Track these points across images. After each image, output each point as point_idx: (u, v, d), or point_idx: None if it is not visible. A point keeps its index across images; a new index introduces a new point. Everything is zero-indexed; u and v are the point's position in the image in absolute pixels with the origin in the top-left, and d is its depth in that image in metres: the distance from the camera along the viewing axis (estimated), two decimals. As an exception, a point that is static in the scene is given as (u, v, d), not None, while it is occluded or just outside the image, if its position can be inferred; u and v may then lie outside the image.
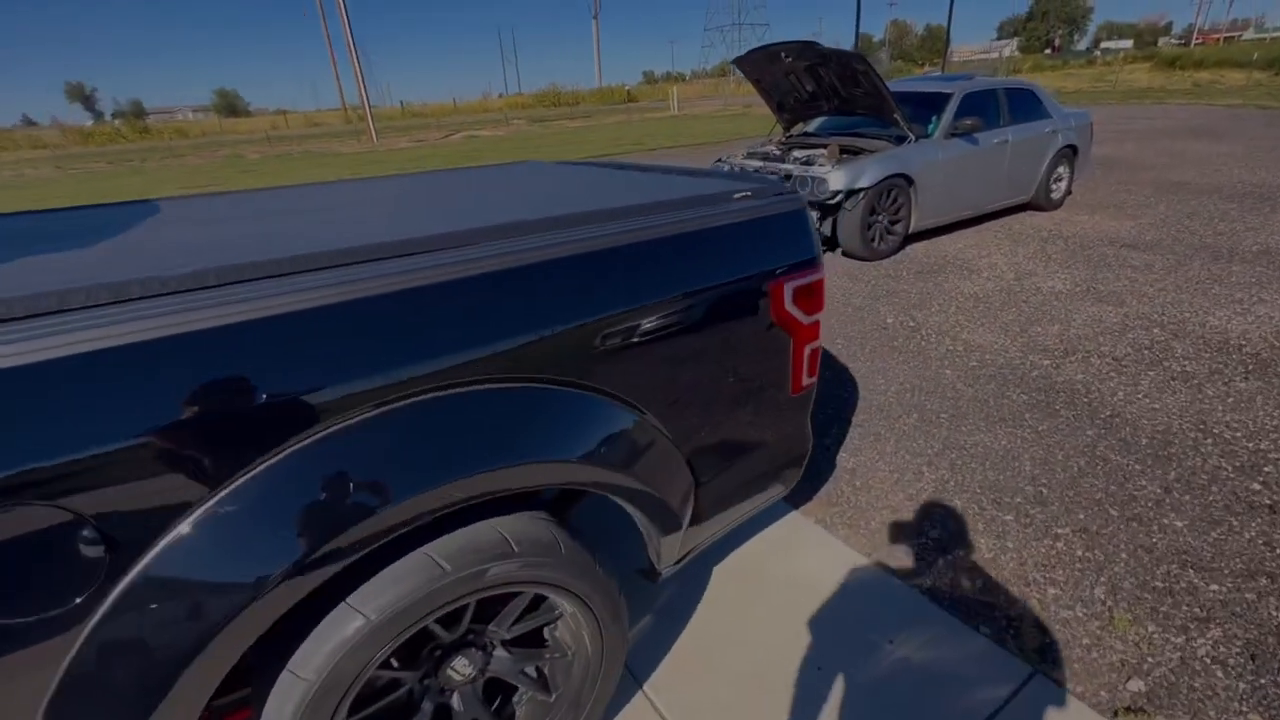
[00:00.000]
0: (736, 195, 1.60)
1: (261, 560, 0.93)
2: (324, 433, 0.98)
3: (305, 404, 0.95)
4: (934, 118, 5.87)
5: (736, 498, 1.73)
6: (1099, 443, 2.75)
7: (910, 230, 5.79)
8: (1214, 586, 1.95)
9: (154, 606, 0.88)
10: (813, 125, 6.93)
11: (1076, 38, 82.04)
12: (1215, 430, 2.81)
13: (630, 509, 1.40)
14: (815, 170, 5.37)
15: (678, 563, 1.66)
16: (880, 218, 5.51)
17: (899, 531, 2.25)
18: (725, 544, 2.17)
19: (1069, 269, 5.12)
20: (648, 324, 1.32)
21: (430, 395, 1.05)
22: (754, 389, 1.61)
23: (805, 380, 1.72)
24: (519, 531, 1.21)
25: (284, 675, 1.04)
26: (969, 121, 5.77)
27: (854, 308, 4.55)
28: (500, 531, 1.18)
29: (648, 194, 1.63)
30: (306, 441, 0.97)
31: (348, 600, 1.05)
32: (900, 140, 5.68)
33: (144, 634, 0.88)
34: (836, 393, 3.31)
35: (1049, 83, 33.02)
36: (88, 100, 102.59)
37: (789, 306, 1.58)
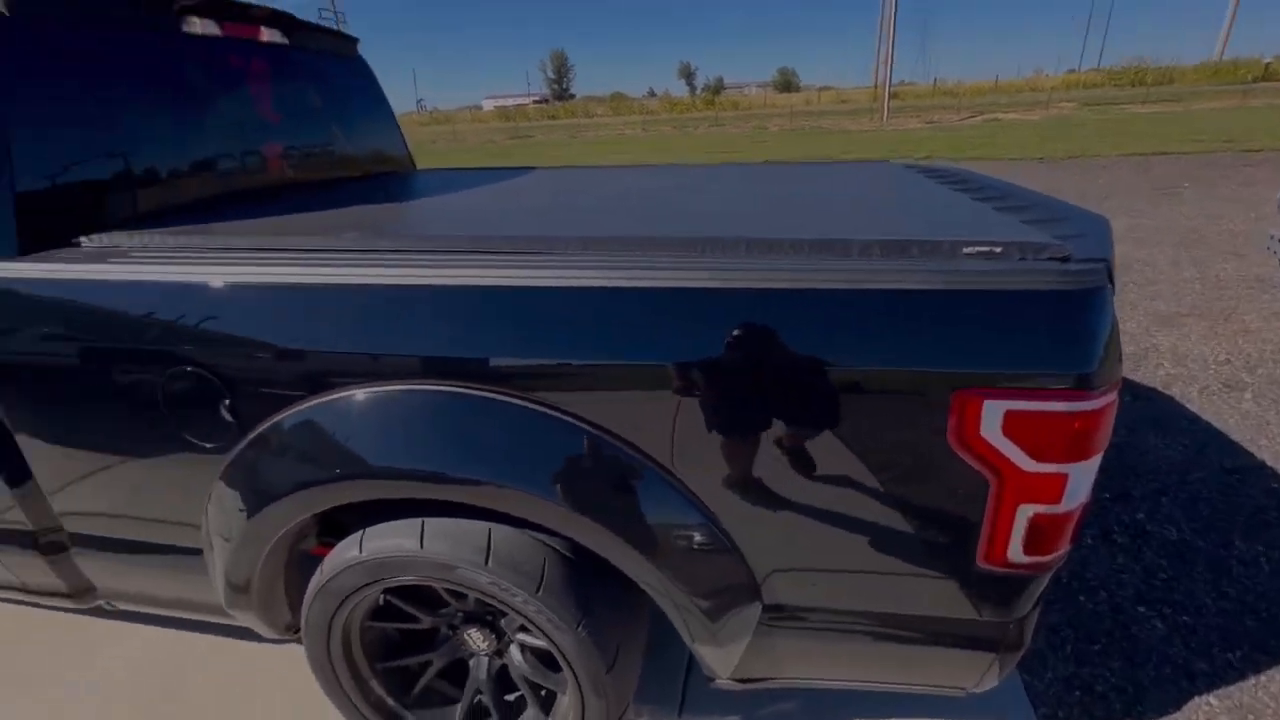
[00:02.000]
0: (969, 250, 1.07)
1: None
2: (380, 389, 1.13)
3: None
4: None
5: (847, 655, 1.26)
6: None
7: None
8: None
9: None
10: None
11: None
12: None
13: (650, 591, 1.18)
14: None
15: (743, 681, 1.33)
16: None
17: None
18: (885, 704, 1.60)
19: None
20: (726, 381, 1.03)
21: (435, 389, 1.09)
22: (901, 530, 1.10)
23: (1013, 554, 1.08)
24: (505, 549, 1.17)
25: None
26: None
27: None
28: (490, 539, 1.17)
29: (878, 228, 1.23)
30: (360, 392, 1.13)
31: (366, 530, 1.24)
32: None
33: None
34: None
35: None
36: (690, 77, 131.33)
37: (989, 435, 1.00)
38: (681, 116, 42.35)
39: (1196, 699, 1.63)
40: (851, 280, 1.01)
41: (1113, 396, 1.00)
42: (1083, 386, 0.96)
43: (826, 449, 1.05)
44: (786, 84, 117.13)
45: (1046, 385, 0.97)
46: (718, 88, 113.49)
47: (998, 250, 1.06)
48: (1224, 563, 2.08)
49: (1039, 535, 1.06)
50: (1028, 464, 1.01)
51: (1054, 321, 0.98)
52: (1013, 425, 0.99)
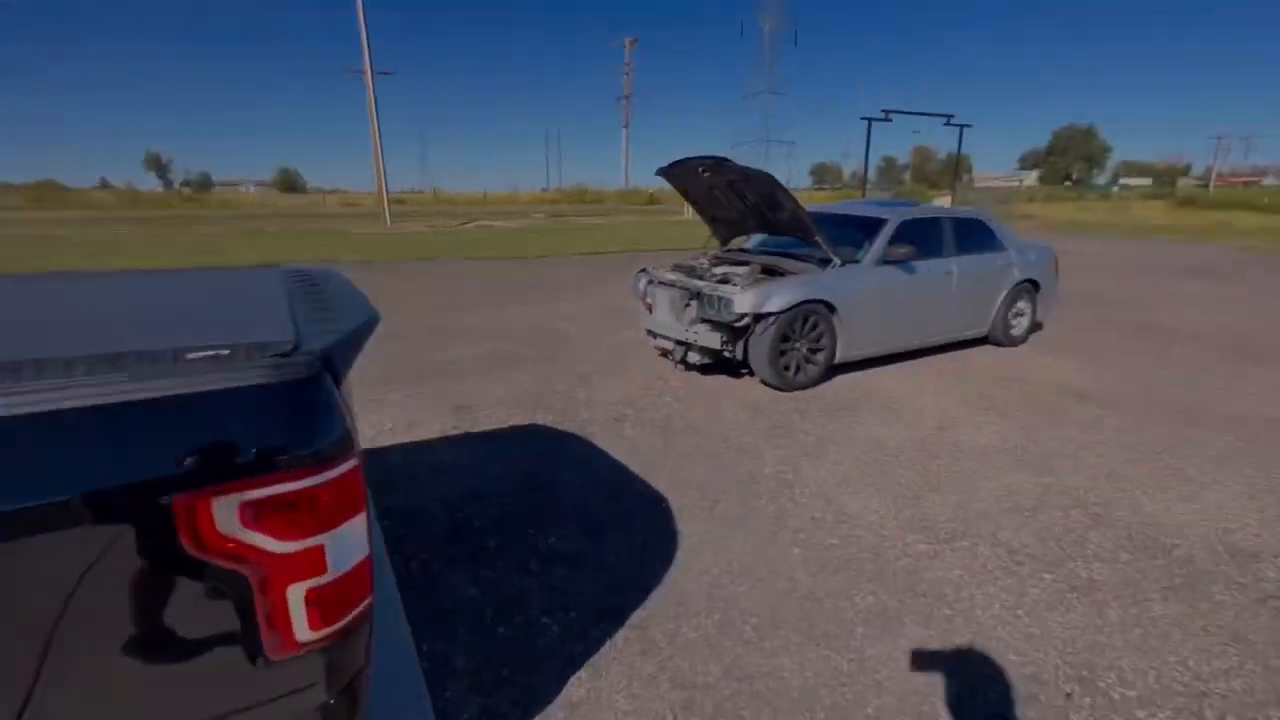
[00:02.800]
0: (192, 355, 1.09)
1: None
2: None
3: None
4: (865, 243, 5.48)
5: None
6: (930, 695, 2.02)
7: (836, 360, 5.24)
8: None
9: None
10: (752, 241, 6.62)
11: (1095, 173, 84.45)
12: (1103, 679, 2.07)
13: None
14: (724, 290, 4.93)
15: None
16: (798, 345, 5.00)
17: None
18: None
19: (1005, 419, 4.47)
20: None
21: None
22: (190, 648, 1.02)
23: (301, 635, 1.12)
24: None
25: None
26: (903, 249, 5.34)
27: (737, 449, 3.94)
28: None
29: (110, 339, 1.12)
30: None
31: None
32: (826, 264, 5.27)
33: None
34: (635, 574, 2.65)
35: (1064, 214, 33.35)
36: (162, 169, 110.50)
37: (227, 529, 1.01)
38: (155, 214, 35.08)
39: (574, 679, 2.04)
40: (35, 402, 0.91)
41: (350, 464, 1.15)
42: (316, 462, 1.08)
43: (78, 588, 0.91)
44: (290, 184, 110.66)
45: (278, 469, 1.05)
46: (205, 183, 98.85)
47: (225, 353, 1.12)
48: (604, 559, 2.72)
49: (321, 607, 1.13)
50: (279, 546, 1.07)
51: (276, 411, 1.08)
52: (252, 514, 1.03)
